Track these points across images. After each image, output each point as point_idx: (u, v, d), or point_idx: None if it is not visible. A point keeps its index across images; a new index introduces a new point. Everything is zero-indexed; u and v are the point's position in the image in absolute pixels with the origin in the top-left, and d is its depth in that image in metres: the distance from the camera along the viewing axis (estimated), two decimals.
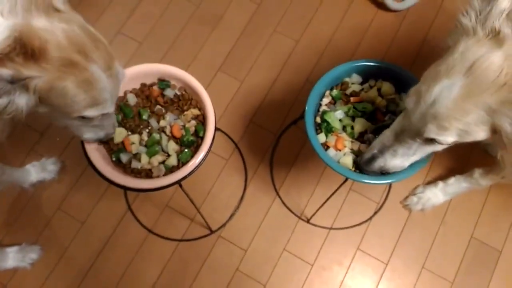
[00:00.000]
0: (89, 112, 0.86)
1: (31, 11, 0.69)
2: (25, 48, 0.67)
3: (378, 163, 1.06)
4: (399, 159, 1.05)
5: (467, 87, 0.85)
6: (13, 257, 1.52)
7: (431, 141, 0.96)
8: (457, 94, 0.85)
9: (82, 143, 1.06)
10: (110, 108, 0.90)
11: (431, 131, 0.92)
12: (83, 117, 0.87)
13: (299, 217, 1.66)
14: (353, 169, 1.14)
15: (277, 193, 1.68)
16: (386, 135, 1.05)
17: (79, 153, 1.68)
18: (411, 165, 1.11)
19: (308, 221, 1.65)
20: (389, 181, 1.15)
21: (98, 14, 1.91)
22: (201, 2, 1.94)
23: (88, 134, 0.99)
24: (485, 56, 0.84)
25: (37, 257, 1.55)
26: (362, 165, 1.09)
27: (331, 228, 1.65)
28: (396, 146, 1.03)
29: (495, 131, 0.89)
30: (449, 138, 0.92)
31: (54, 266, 1.58)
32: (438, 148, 1.01)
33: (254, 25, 1.91)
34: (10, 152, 1.69)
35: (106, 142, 1.08)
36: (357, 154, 1.16)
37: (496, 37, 0.85)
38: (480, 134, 0.91)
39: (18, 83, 0.69)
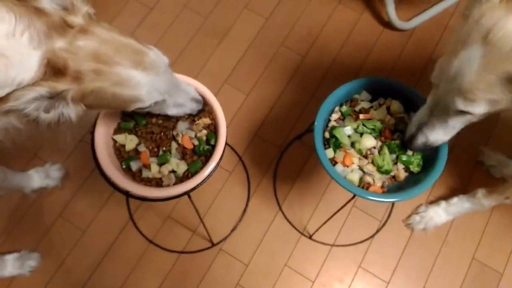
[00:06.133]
0: (138, 105, 0.94)
1: (52, 36, 0.78)
2: (53, 69, 0.78)
3: (420, 140, 1.08)
4: (439, 133, 1.06)
5: (486, 57, 0.83)
6: (12, 265, 1.50)
7: (463, 112, 0.95)
8: (477, 65, 0.84)
9: (92, 147, 1.05)
10: (158, 97, 0.96)
11: (459, 104, 0.92)
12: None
13: (301, 233, 1.65)
14: (360, 186, 1.15)
15: (280, 208, 1.68)
16: (421, 112, 1.07)
17: (83, 160, 1.70)
18: (417, 186, 1.11)
19: (310, 237, 1.64)
20: (394, 199, 1.15)
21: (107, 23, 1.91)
22: (209, 14, 1.96)
23: (172, 111, 1.06)
24: (501, 22, 0.81)
25: (36, 264, 1.53)
26: (406, 145, 1.13)
27: (333, 245, 1.64)
28: (433, 121, 1.04)
29: None
30: (478, 109, 0.91)
31: (53, 274, 1.55)
32: (474, 118, 1.00)
33: (261, 39, 1.92)
34: (13, 156, 1.68)
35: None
36: (364, 171, 1.16)
37: (510, 1, 0.82)
38: (510, 101, 0.90)
39: (56, 97, 0.80)
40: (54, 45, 0.78)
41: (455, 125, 1.04)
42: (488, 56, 0.83)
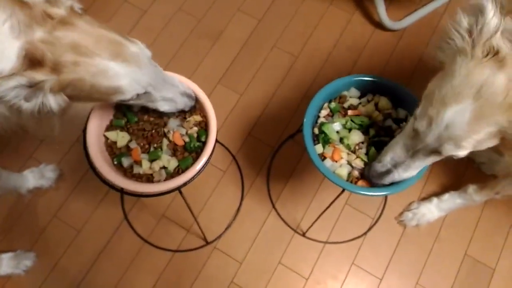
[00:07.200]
0: (120, 97, 0.95)
1: (32, 27, 0.80)
2: (32, 61, 0.81)
3: (391, 177, 1.09)
4: (411, 171, 1.09)
5: (478, 110, 0.89)
6: (7, 264, 1.51)
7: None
8: (469, 117, 0.90)
9: (84, 146, 1.07)
10: (140, 89, 0.96)
11: (449, 150, 0.96)
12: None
13: (295, 230, 1.67)
14: (349, 180, 1.16)
15: (273, 206, 1.69)
16: (397, 153, 1.07)
17: (78, 160, 1.72)
18: (405, 180, 1.13)
19: (303, 234, 1.66)
20: (385, 193, 1.16)
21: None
22: (202, 16, 1.98)
23: (164, 107, 1.07)
24: (490, 79, 0.87)
25: (31, 264, 1.54)
26: (372, 179, 1.12)
27: (326, 242, 1.66)
28: (409, 162, 1.06)
29: (503, 138, 0.94)
30: (465, 152, 0.96)
31: (48, 273, 1.57)
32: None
33: (254, 40, 1.95)
34: (9, 157, 1.69)
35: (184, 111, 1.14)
36: (352, 165, 1.18)
37: (495, 56, 0.88)
38: (492, 143, 0.96)
39: (35, 86, 0.82)
40: (33, 35, 0.80)
41: (429, 163, 1.07)
42: (480, 109, 0.89)
